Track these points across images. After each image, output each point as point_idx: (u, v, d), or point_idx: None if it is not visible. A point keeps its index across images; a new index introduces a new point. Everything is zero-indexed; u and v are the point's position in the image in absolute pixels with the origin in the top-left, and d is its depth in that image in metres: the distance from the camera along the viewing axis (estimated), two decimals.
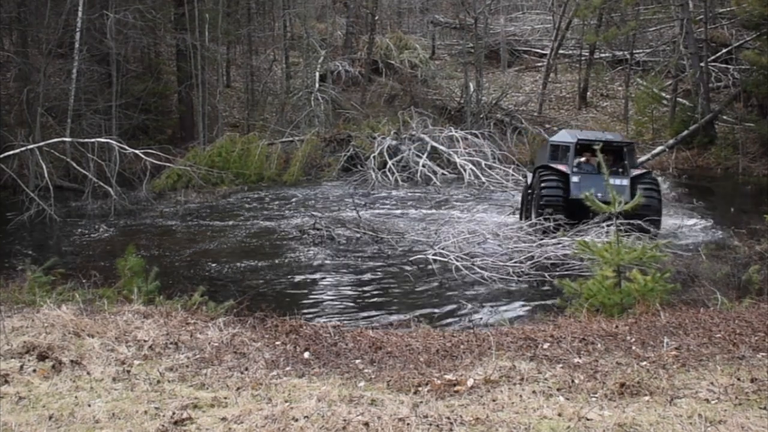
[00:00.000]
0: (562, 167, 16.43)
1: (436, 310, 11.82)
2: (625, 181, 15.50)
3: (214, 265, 15.07)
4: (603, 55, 35.33)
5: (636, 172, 16.13)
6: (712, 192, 23.03)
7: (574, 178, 16.04)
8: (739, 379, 4.92)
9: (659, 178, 18.43)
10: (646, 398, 4.69)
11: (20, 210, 18.67)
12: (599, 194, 15.44)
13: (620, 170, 16.18)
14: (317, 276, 14.23)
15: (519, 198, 18.92)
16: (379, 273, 14.18)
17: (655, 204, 15.19)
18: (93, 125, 24.29)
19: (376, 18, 35.77)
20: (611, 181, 15.63)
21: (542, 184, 16.30)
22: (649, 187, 15.20)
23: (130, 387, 5.25)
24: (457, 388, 5.03)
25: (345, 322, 10.93)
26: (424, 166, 24.04)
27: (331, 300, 12.77)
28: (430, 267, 13.93)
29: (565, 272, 12.64)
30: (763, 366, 5.17)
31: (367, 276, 14.08)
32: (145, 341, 6.22)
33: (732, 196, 21.96)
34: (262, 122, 29.75)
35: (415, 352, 6.14)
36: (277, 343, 6.43)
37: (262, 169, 24.88)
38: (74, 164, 20.44)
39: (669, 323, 6.47)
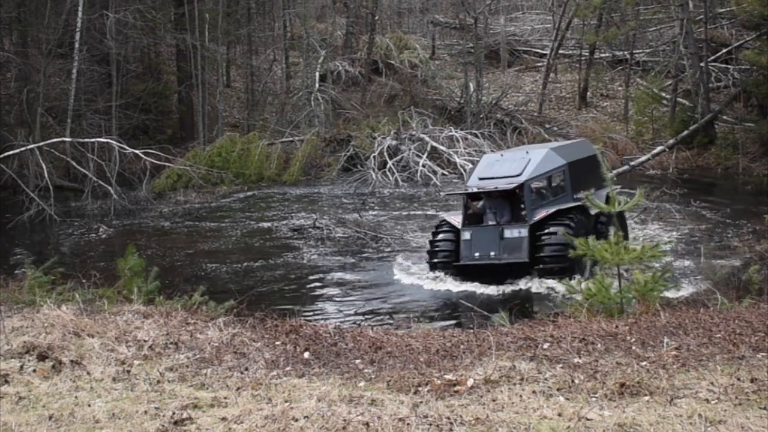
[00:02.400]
0: (454, 220, 13.29)
1: (436, 310, 11.83)
2: (523, 231, 12.45)
3: (213, 264, 15.07)
4: (603, 55, 35.32)
5: (543, 213, 12.58)
6: (712, 192, 23.02)
7: (465, 235, 12.86)
8: (739, 379, 4.92)
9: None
10: (646, 398, 4.69)
11: (20, 210, 18.67)
12: (492, 253, 12.51)
13: (524, 214, 12.96)
14: (317, 276, 14.24)
15: None
16: (378, 273, 14.18)
17: (552, 253, 12.05)
18: (93, 125, 24.31)
19: (376, 18, 35.76)
20: (506, 233, 12.48)
21: (434, 238, 13.41)
22: (552, 232, 12.17)
23: (130, 387, 5.25)
24: (457, 388, 5.03)
25: (345, 322, 10.94)
26: (424, 166, 24.04)
27: (331, 300, 12.78)
28: (429, 267, 13.91)
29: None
30: (763, 366, 5.17)
31: (367, 276, 14.08)
32: (145, 341, 6.22)
33: (732, 196, 21.95)
34: (262, 122, 29.76)
35: (415, 352, 6.14)
36: (277, 343, 6.43)
37: (262, 169, 24.89)
38: (74, 164, 20.47)
39: (669, 323, 6.47)
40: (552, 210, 12.64)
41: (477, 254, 12.68)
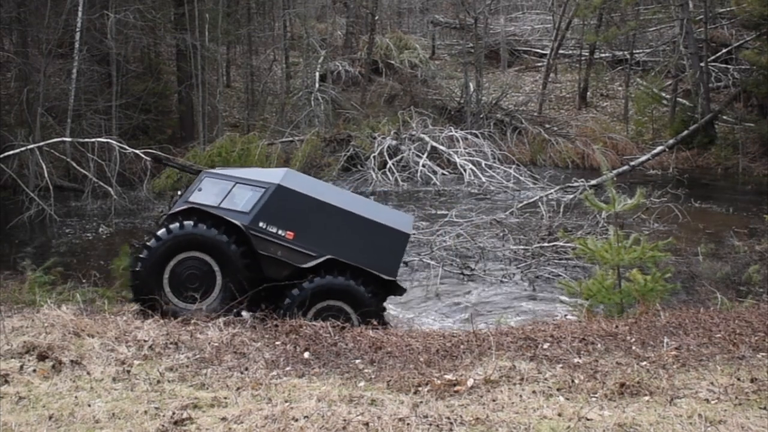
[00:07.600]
0: None
1: (435, 310, 11.82)
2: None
3: None
4: (603, 55, 35.31)
5: (180, 208, 9.01)
6: (713, 192, 23.01)
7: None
8: (739, 379, 4.92)
9: None
10: (646, 398, 4.69)
11: (20, 210, 18.66)
12: None
13: None
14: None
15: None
16: None
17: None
18: (93, 125, 24.30)
19: (376, 18, 35.74)
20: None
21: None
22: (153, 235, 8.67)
23: (130, 387, 5.25)
24: (457, 388, 5.03)
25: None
26: (424, 166, 24.03)
27: None
28: (428, 266, 13.91)
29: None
30: (763, 366, 5.17)
31: None
32: (145, 341, 6.22)
33: (732, 196, 21.94)
34: (262, 122, 29.74)
35: (415, 352, 6.14)
36: (277, 343, 6.43)
37: None
38: (74, 164, 20.43)
39: (669, 323, 6.47)
40: (185, 207, 8.88)
41: None
